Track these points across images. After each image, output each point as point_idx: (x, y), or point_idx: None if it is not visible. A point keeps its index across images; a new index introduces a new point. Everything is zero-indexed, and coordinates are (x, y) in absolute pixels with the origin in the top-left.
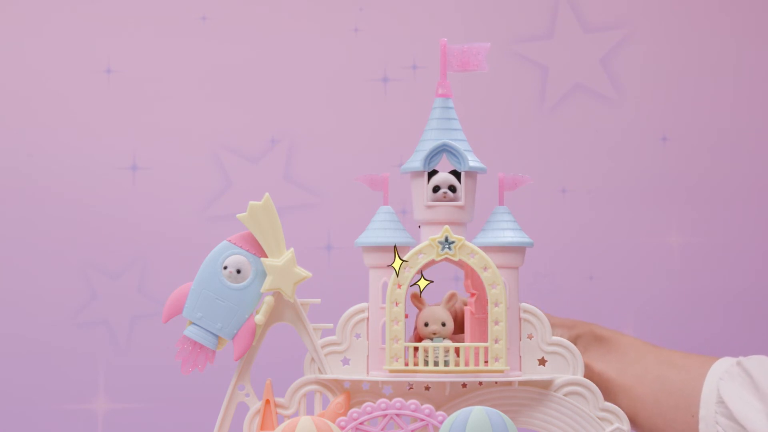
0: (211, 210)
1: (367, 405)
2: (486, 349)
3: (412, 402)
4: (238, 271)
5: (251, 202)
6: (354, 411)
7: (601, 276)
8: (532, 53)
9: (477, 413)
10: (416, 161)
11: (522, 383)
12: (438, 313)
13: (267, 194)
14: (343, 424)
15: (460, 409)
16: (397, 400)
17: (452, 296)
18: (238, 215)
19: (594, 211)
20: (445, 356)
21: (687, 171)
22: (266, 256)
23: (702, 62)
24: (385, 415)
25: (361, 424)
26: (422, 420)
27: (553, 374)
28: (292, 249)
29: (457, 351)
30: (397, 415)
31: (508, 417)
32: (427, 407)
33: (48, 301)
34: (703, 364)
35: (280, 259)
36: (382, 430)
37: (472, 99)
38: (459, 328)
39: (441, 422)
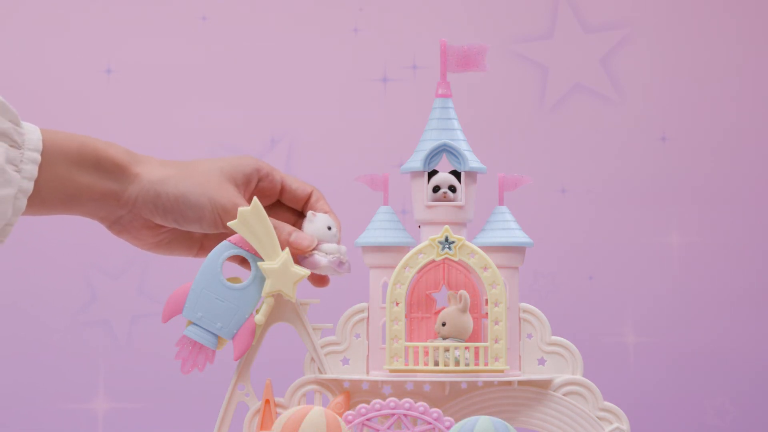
0: None
1: (376, 402)
2: (486, 348)
3: (421, 404)
4: None
5: (240, 208)
6: (362, 406)
7: (601, 276)
8: (532, 53)
9: (483, 423)
10: (416, 161)
11: (521, 383)
12: (441, 314)
13: (255, 198)
14: (350, 418)
15: (459, 408)
16: (406, 401)
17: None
18: (229, 223)
19: (594, 211)
20: (445, 356)
21: (687, 171)
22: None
23: (701, 62)
24: (393, 414)
25: (368, 420)
26: (429, 423)
27: (552, 374)
28: (287, 249)
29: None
30: (405, 415)
31: (513, 427)
32: (435, 411)
33: (48, 301)
34: None
35: (276, 261)
36: (388, 428)
37: (472, 99)
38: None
39: (448, 428)
